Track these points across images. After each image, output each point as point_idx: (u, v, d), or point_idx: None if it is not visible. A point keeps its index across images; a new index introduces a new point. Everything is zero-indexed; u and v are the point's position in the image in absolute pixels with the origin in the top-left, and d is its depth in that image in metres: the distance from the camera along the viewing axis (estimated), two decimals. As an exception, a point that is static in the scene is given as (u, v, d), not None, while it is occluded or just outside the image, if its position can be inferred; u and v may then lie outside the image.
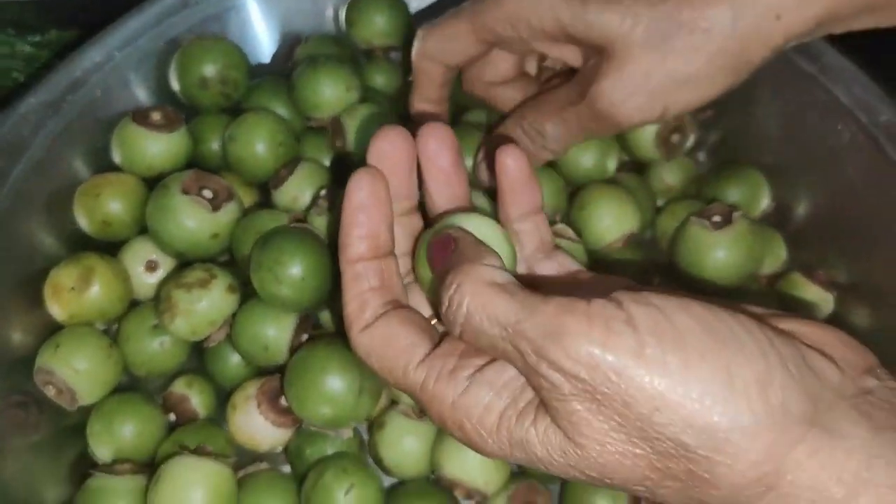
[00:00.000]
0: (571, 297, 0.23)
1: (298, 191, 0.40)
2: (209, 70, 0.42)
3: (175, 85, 0.43)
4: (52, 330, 0.38)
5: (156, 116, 0.41)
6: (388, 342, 0.27)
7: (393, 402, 0.38)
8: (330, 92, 0.42)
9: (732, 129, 0.47)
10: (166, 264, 0.40)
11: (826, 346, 0.23)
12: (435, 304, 0.28)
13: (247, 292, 0.38)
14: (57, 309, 0.38)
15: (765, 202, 0.44)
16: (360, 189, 0.27)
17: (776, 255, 0.44)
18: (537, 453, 0.24)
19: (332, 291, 0.36)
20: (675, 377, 0.22)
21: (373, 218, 0.27)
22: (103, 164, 0.42)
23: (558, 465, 0.24)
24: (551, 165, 0.42)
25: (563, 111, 0.35)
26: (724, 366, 0.22)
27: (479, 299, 0.24)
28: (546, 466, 0.24)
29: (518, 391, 0.25)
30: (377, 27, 0.45)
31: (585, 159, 0.42)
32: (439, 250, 0.27)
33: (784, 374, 0.22)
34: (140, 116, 0.41)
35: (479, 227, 0.27)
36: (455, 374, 0.25)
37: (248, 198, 0.42)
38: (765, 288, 0.42)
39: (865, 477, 0.21)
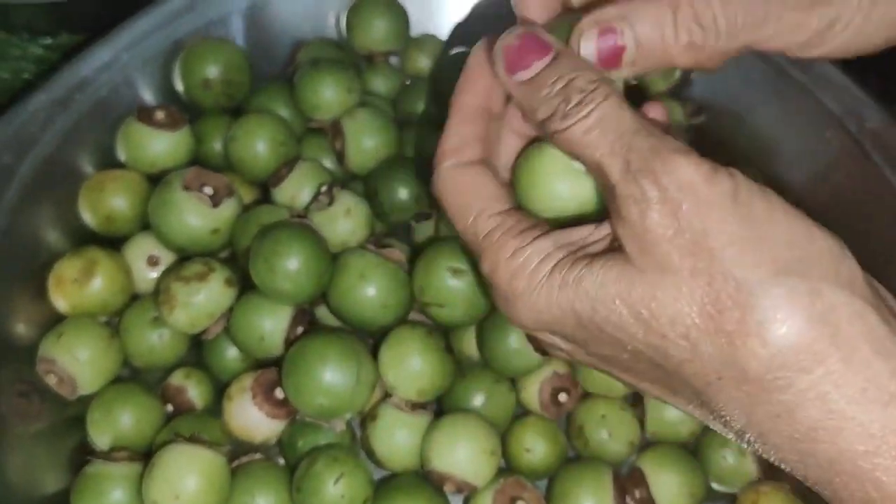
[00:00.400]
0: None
1: (297, 189, 0.41)
2: (212, 71, 0.43)
3: (179, 85, 0.44)
4: (55, 321, 0.39)
5: (160, 115, 0.42)
6: (472, 187, 0.27)
7: (386, 395, 0.39)
8: (331, 94, 0.43)
9: (723, 136, 0.47)
10: (168, 259, 0.41)
11: None
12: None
13: (246, 286, 0.39)
14: (60, 300, 0.39)
15: None
16: (483, 51, 0.27)
17: None
18: (587, 289, 0.23)
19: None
20: (756, 225, 0.22)
21: (490, 77, 0.27)
22: (109, 161, 0.43)
23: (605, 302, 0.23)
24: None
25: None
26: (807, 233, 0.22)
27: (615, 103, 0.24)
28: (590, 308, 0.24)
29: (584, 245, 0.25)
30: (377, 32, 0.46)
31: None
32: (531, 44, 0.26)
33: (855, 266, 0.22)
34: (144, 115, 0.42)
35: None
36: (525, 232, 0.25)
37: (248, 197, 0.43)
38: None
39: None
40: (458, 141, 0.28)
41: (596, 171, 0.24)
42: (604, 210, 0.25)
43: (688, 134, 0.46)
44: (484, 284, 0.36)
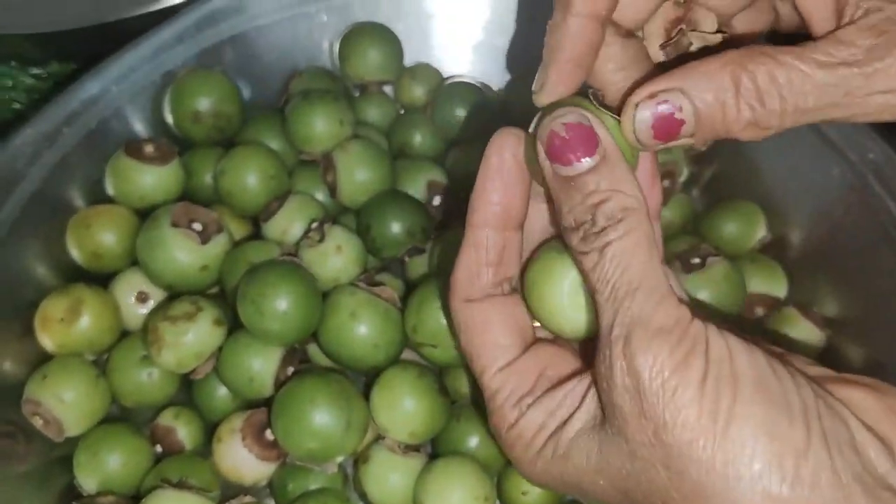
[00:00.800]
0: (684, 308, 0.23)
1: (288, 223, 0.41)
2: (202, 104, 0.43)
3: (169, 118, 0.43)
4: (42, 360, 0.39)
5: (149, 149, 0.41)
6: (482, 330, 0.27)
7: (379, 437, 0.38)
8: (323, 126, 0.42)
9: (724, 166, 0.47)
10: (157, 296, 0.40)
11: (883, 425, 0.22)
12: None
13: (236, 324, 0.38)
14: (46, 339, 0.38)
15: (761, 233, 0.44)
16: (502, 150, 0.26)
17: (776, 287, 0.43)
18: (578, 462, 0.24)
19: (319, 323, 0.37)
20: (718, 418, 0.22)
21: (510, 185, 0.26)
22: (98, 196, 0.42)
23: (590, 473, 0.24)
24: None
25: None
26: (766, 424, 0.21)
27: (631, 243, 0.23)
28: (580, 480, 0.25)
29: (572, 412, 0.25)
30: (370, 61, 0.46)
31: None
32: (580, 139, 0.24)
33: (822, 451, 0.21)
34: (133, 149, 0.41)
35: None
36: (522, 400, 0.26)
37: (240, 231, 0.43)
38: (749, 324, 0.42)
39: None
40: (467, 274, 0.27)
41: (595, 307, 0.25)
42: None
43: (687, 168, 0.45)
44: None
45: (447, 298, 0.28)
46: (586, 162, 0.24)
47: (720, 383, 0.22)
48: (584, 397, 0.25)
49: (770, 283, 0.42)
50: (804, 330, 0.41)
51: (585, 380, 0.25)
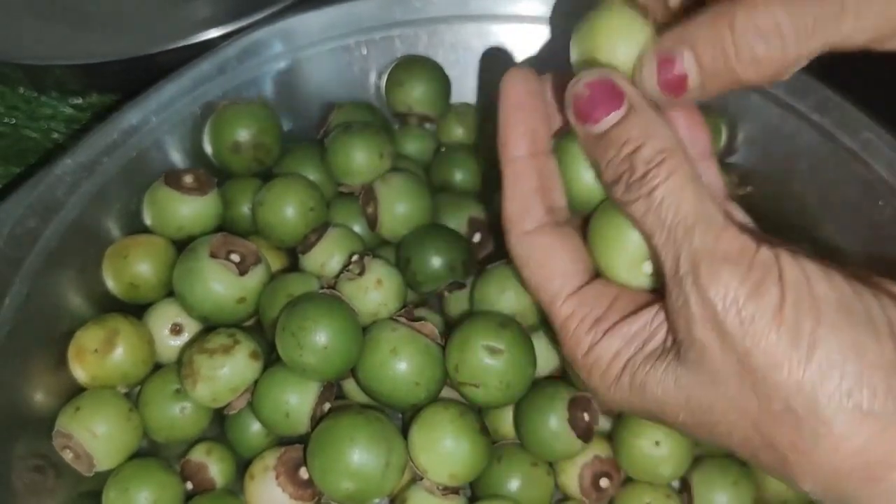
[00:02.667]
0: (747, 237, 0.23)
1: (327, 256, 0.40)
2: (242, 135, 0.42)
3: (208, 149, 0.43)
4: (74, 391, 0.38)
5: (188, 179, 0.41)
6: (544, 261, 0.27)
7: (417, 478, 0.36)
8: (363, 158, 0.42)
9: (769, 204, 0.46)
10: (191, 327, 0.40)
11: None
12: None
13: (272, 359, 0.38)
14: (80, 371, 0.38)
15: None
16: (515, 86, 0.27)
17: None
18: (655, 393, 0.25)
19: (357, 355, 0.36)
20: (801, 343, 0.22)
21: (530, 115, 0.28)
22: (136, 226, 0.42)
23: (669, 406, 0.25)
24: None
25: None
26: (853, 344, 0.21)
27: (677, 183, 0.24)
28: (659, 409, 0.25)
29: (646, 340, 0.26)
30: (418, 93, 0.45)
31: None
32: (602, 95, 0.25)
33: None
34: (172, 179, 0.41)
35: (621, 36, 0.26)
36: (597, 324, 0.27)
37: (277, 262, 0.42)
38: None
39: None
40: (519, 205, 0.28)
41: (653, 254, 0.25)
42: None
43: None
44: (521, 365, 0.35)
45: (505, 240, 0.29)
46: (613, 116, 0.25)
47: (800, 308, 0.22)
48: (657, 330, 0.25)
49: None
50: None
51: (658, 313, 0.26)
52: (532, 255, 0.28)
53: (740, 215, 0.28)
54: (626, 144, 0.24)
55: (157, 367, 0.40)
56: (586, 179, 0.28)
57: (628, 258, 0.27)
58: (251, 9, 0.51)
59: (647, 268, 0.27)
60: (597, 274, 0.28)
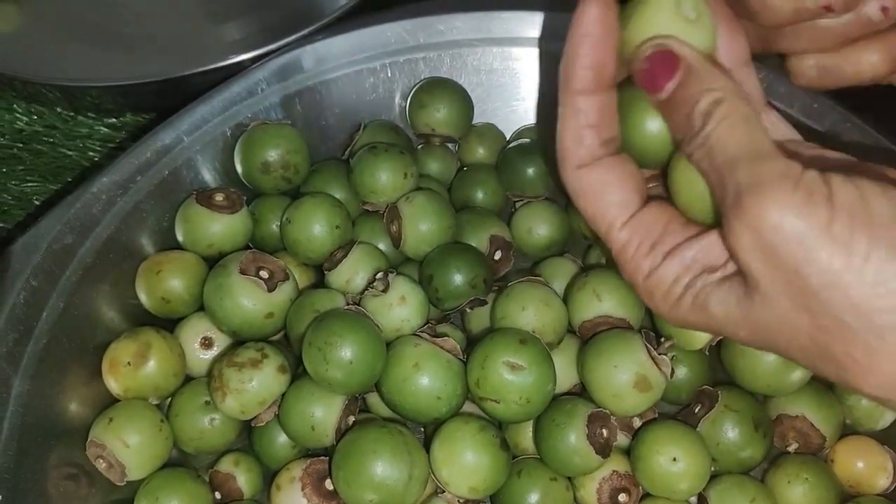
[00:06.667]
0: (792, 160, 0.24)
1: (352, 273, 0.41)
2: (271, 155, 0.44)
3: (239, 168, 0.45)
4: (107, 402, 0.39)
5: (218, 198, 0.42)
6: (600, 191, 0.28)
7: (438, 491, 0.37)
8: (387, 178, 0.43)
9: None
10: (221, 341, 0.41)
11: None
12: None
13: (298, 372, 0.39)
14: (113, 383, 0.39)
15: None
16: (587, 16, 0.27)
17: None
18: (715, 313, 0.26)
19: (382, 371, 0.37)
20: (854, 259, 0.22)
21: (599, 47, 0.28)
22: (167, 243, 0.43)
23: (730, 324, 0.26)
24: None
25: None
26: None
27: (728, 126, 0.25)
28: (719, 327, 0.26)
29: (705, 264, 0.27)
30: (441, 115, 0.46)
31: None
32: (660, 65, 0.27)
33: None
34: (203, 197, 0.42)
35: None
36: (655, 248, 0.28)
37: (304, 279, 0.43)
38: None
39: None
40: (573, 138, 0.29)
41: (712, 196, 0.26)
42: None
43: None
44: (541, 382, 0.35)
45: (558, 174, 0.30)
46: (672, 82, 0.27)
47: (853, 225, 0.22)
48: (715, 252, 0.26)
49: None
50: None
51: (716, 239, 0.26)
52: (586, 187, 0.29)
53: (783, 128, 0.30)
54: (686, 104, 0.26)
55: (188, 379, 0.41)
56: (650, 128, 0.28)
57: (701, 205, 0.27)
58: (280, 33, 0.52)
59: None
60: (649, 197, 0.29)
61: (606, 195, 0.28)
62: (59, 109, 0.55)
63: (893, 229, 0.22)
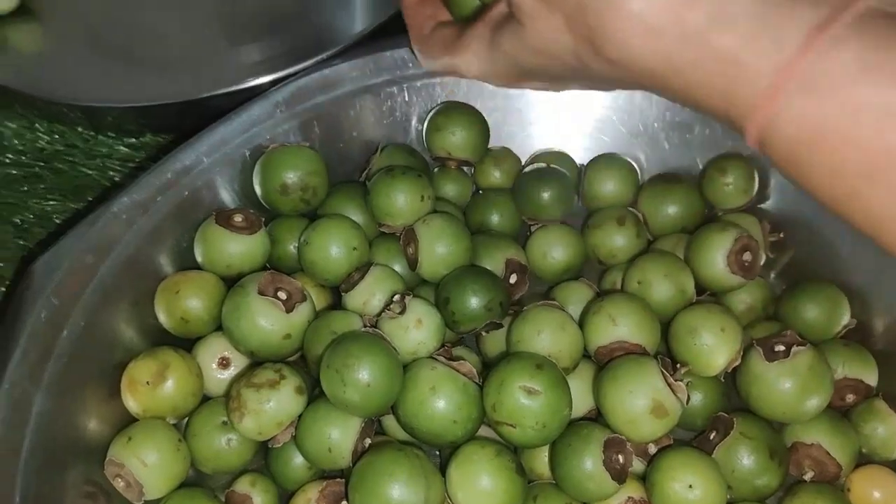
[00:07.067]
0: None
1: (369, 295, 0.41)
2: (290, 177, 0.44)
3: (257, 189, 0.45)
4: (126, 421, 0.40)
5: (237, 219, 0.43)
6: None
7: (452, 514, 0.37)
8: (405, 201, 0.43)
9: (801, 252, 0.46)
10: (238, 361, 0.41)
11: None
12: None
13: (314, 393, 0.39)
14: (132, 402, 0.39)
15: (845, 318, 0.43)
16: None
17: (868, 374, 0.41)
18: (507, 49, 0.36)
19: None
20: None
21: None
22: (187, 262, 0.44)
23: (523, 54, 0.35)
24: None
25: None
26: None
27: None
28: (519, 60, 0.36)
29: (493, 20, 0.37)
30: (458, 139, 0.47)
31: (663, 288, 0.42)
32: None
33: None
34: (223, 218, 0.43)
35: None
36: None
37: (320, 299, 0.44)
38: (837, 410, 0.41)
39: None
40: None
41: None
42: None
43: (767, 252, 0.45)
44: (557, 407, 0.36)
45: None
46: None
47: None
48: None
49: (863, 369, 0.41)
50: (893, 425, 0.39)
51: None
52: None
53: None
54: None
55: (205, 399, 0.41)
56: None
57: None
58: (299, 56, 0.53)
59: None
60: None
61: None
62: (79, 128, 0.56)
63: None
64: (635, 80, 0.31)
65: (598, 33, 0.30)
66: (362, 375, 0.36)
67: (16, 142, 0.54)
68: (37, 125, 0.55)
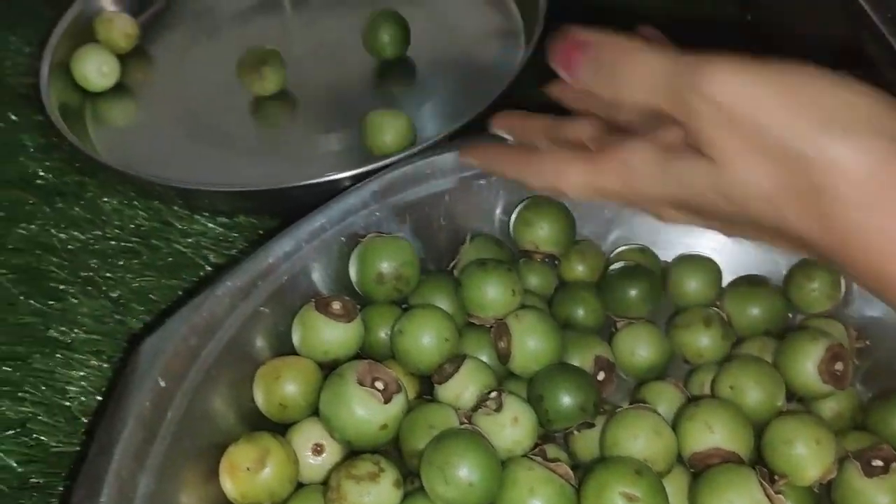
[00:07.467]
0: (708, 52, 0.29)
1: (462, 388, 0.42)
2: (385, 266, 0.45)
3: (354, 277, 0.46)
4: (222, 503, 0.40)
5: (336, 306, 0.44)
6: None
7: None
8: (496, 294, 0.44)
9: (889, 356, 0.46)
10: (331, 448, 0.42)
11: None
12: None
13: (410, 487, 0.40)
14: (230, 486, 0.40)
15: None
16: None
17: None
18: (687, 182, 0.31)
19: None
20: (801, 97, 0.27)
21: None
22: (283, 347, 0.45)
23: (704, 192, 0.30)
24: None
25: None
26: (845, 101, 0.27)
27: (627, 58, 0.31)
28: (695, 196, 0.31)
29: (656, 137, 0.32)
30: (545, 233, 0.48)
31: (755, 394, 0.42)
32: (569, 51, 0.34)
33: (891, 109, 0.27)
34: (322, 305, 0.44)
35: None
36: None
37: (411, 388, 0.44)
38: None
39: None
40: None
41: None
42: None
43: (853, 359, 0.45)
44: None
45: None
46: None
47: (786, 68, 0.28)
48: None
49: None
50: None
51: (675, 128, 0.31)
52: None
53: None
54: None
55: (298, 485, 0.42)
56: None
57: None
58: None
59: None
60: None
61: None
62: (175, 207, 0.58)
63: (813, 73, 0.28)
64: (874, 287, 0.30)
65: (832, 209, 0.27)
66: (464, 474, 0.36)
67: (114, 217, 0.57)
68: (135, 202, 0.58)
